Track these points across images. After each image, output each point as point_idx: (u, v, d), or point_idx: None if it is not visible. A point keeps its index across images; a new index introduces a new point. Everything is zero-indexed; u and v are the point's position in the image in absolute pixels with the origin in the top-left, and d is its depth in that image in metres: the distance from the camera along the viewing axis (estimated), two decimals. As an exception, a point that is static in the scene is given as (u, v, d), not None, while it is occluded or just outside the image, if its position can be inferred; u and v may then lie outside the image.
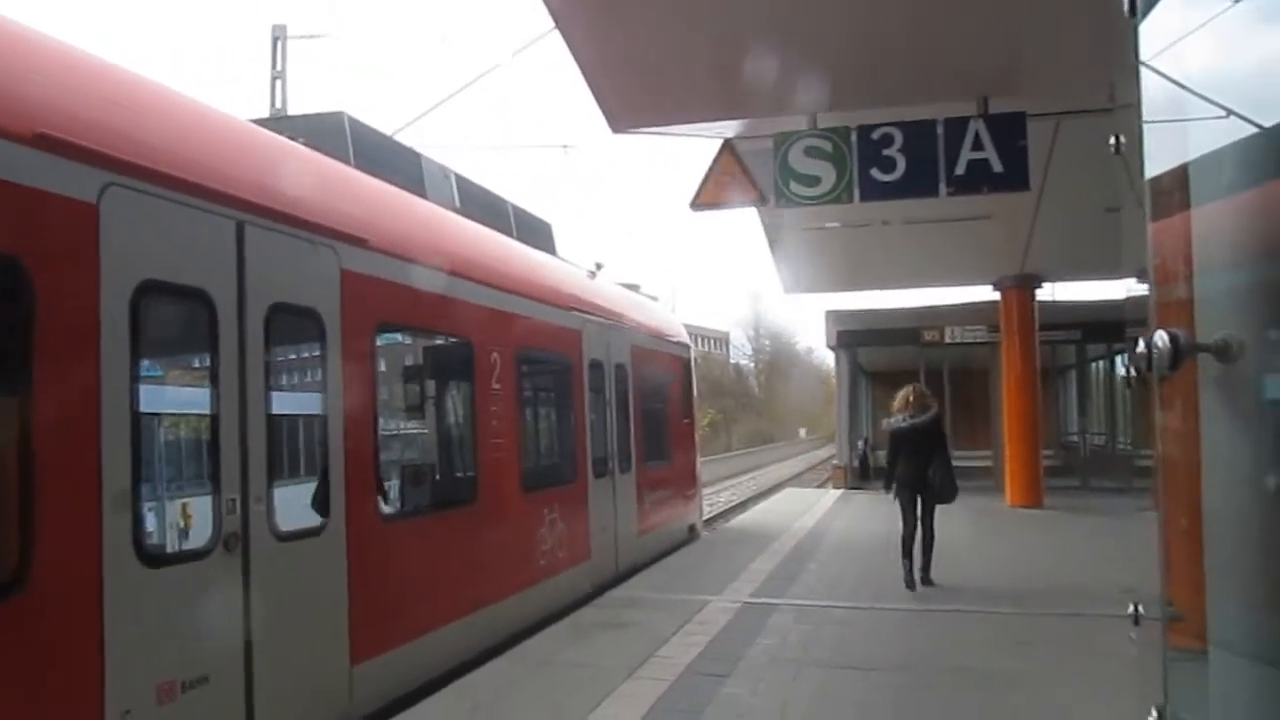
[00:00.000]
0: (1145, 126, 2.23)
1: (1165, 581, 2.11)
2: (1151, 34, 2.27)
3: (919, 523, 10.00)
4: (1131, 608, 2.63)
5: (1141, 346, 1.88)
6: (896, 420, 10.34)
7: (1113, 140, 2.61)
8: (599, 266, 12.52)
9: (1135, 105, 2.24)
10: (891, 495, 10.21)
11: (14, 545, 3.96)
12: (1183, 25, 2.24)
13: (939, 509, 10.10)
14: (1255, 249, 1.94)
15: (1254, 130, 1.96)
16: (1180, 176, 2.15)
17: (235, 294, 5.29)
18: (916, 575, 9.96)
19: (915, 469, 10.00)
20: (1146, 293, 2.17)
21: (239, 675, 5.09)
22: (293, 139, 6.79)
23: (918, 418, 10.15)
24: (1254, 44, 2.10)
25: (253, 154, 6.08)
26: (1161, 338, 1.82)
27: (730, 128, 9.29)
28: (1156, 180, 2.23)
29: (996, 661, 7.12)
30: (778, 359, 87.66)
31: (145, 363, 4.89)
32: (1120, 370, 23.00)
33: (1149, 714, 2.02)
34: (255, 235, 5.43)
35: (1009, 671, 6.85)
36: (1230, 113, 2.05)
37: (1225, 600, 2.00)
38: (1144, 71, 2.26)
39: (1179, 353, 1.81)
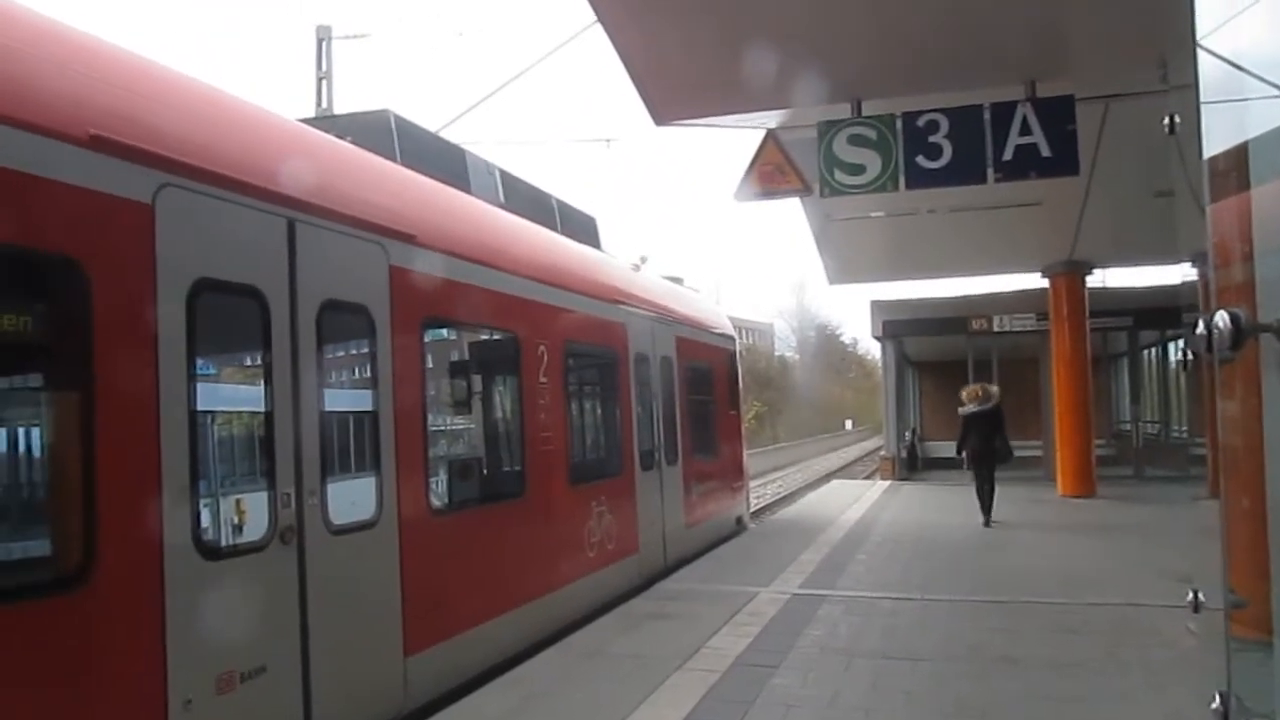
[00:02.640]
0: (1203, 107, 2.19)
1: (1227, 568, 2.08)
2: (1205, 13, 2.23)
3: (986, 480, 14.21)
4: (1190, 595, 2.60)
5: (1201, 328, 1.85)
6: (969, 408, 14.27)
7: (1167, 120, 2.57)
8: (643, 260, 12.54)
9: (1193, 86, 2.20)
10: (964, 462, 14.54)
11: (78, 540, 4.06)
12: (1235, 3, 2.20)
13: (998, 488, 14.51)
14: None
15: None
16: (1239, 156, 2.11)
17: (287, 291, 5.37)
18: (991, 520, 14.06)
19: (982, 442, 14.14)
20: (1200, 278, 2.13)
21: (296, 666, 5.17)
22: (340, 138, 6.87)
23: (983, 406, 14.17)
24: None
25: (302, 153, 6.15)
26: (1223, 318, 1.79)
27: (773, 118, 9.25)
28: (1214, 161, 2.19)
29: (1047, 651, 7.04)
30: (823, 350, 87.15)
31: (201, 360, 4.98)
32: (1175, 356, 22.58)
33: (1212, 700, 1.99)
34: (306, 233, 5.51)
35: (1061, 661, 6.77)
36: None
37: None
38: (1200, 51, 2.22)
39: (1240, 333, 1.78)
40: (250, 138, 5.64)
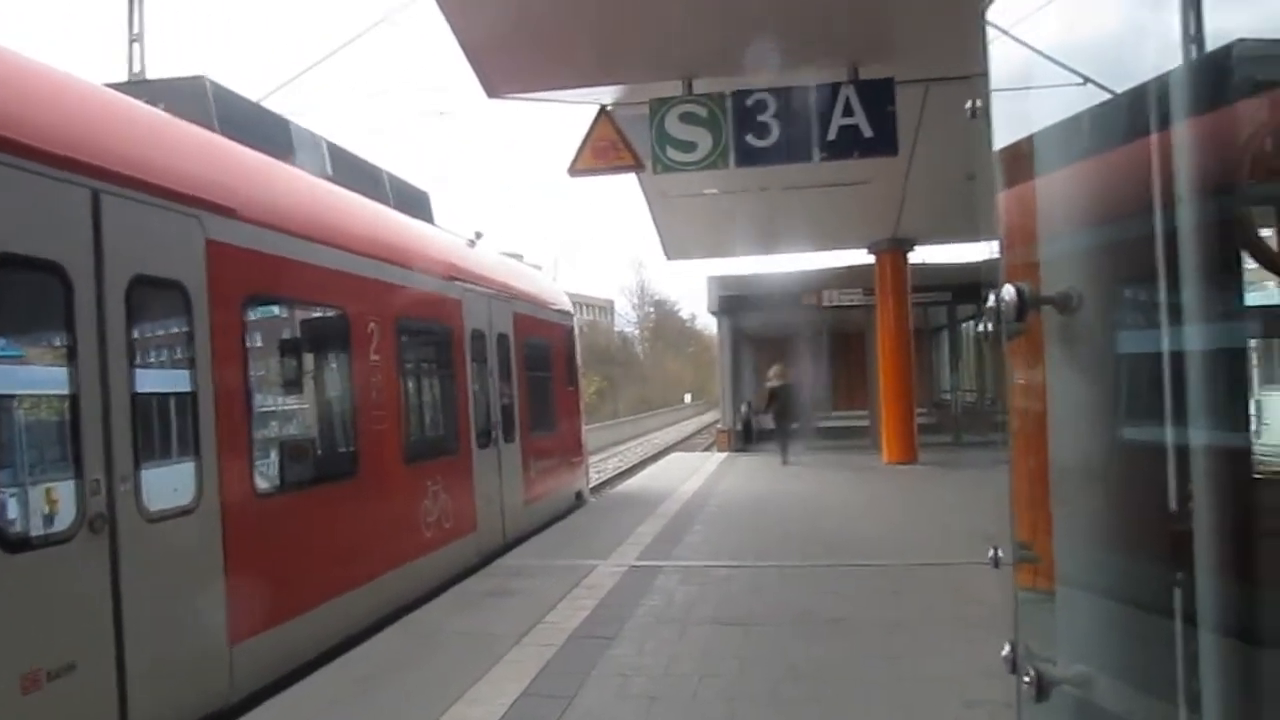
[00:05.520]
0: (993, 95, 2.32)
1: (1015, 526, 2.23)
2: (999, 8, 2.34)
3: (784, 433, 20.05)
4: (991, 553, 2.78)
5: (991, 301, 1.98)
6: (774, 382, 20.32)
7: (969, 105, 2.70)
8: (479, 235, 12.39)
9: (984, 75, 2.32)
10: (770, 419, 20.88)
11: None
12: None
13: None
14: (1089, 215, 2.06)
15: (1090, 105, 2.08)
16: (1025, 146, 2.25)
17: (93, 267, 5.07)
18: (787, 460, 19.67)
19: (783, 408, 20.16)
20: (1000, 256, 2.28)
21: (109, 661, 4.93)
22: (152, 104, 6.51)
23: (784, 381, 20.25)
24: (1092, 21, 2.20)
25: (109, 120, 5.81)
26: (1009, 291, 1.92)
27: (607, 94, 9.27)
28: (1005, 149, 2.33)
29: (873, 611, 7.40)
30: (662, 326, 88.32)
31: (-4, 340, 4.65)
32: (975, 328, 23.87)
33: (1003, 649, 2.14)
34: (113, 205, 5.21)
35: (885, 620, 7.13)
36: (1069, 84, 2.16)
37: (1069, 540, 2.13)
38: (993, 42, 2.35)
39: (1024, 305, 1.92)
40: (49, 102, 5.27)
